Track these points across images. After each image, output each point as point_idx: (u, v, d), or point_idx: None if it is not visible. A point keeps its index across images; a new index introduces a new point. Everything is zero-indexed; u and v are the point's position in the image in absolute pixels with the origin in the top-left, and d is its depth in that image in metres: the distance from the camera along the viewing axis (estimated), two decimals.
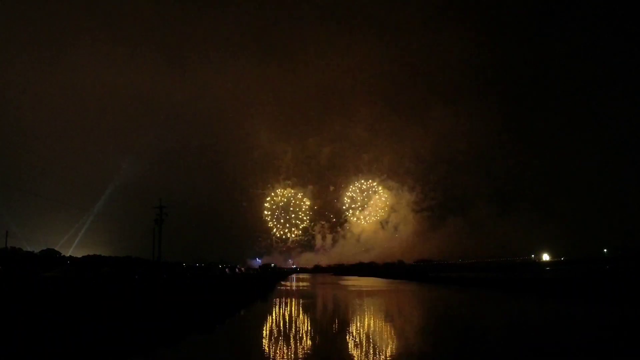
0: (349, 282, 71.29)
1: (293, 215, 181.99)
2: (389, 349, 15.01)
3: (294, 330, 19.66)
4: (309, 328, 20.58)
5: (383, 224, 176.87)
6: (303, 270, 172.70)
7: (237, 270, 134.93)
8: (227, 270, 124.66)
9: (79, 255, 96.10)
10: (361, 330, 19.57)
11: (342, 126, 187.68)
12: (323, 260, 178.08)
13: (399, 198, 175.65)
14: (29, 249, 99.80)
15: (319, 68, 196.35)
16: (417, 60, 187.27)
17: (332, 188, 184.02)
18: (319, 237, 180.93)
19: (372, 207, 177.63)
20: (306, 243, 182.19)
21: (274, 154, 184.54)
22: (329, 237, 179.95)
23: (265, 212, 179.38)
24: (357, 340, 16.84)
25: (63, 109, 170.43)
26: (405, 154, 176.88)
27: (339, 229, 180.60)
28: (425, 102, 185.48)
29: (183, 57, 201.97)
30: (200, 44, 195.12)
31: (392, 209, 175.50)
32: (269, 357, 13.90)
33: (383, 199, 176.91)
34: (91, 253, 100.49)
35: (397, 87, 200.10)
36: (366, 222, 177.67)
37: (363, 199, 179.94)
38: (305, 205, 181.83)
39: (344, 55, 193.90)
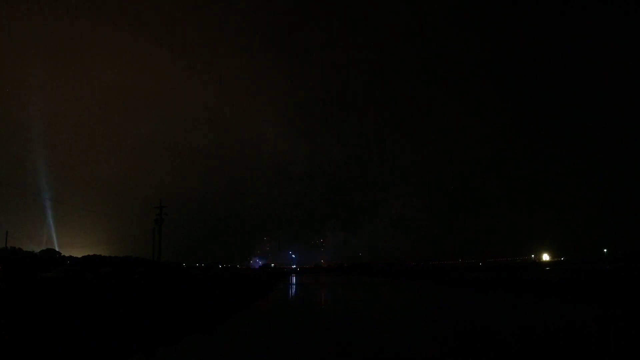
0: (346, 280, 71.33)
1: (302, 213, 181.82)
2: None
3: (294, 329, 19.66)
4: (310, 325, 20.58)
5: (395, 222, 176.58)
6: (303, 270, 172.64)
7: (237, 270, 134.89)
8: (227, 270, 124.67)
9: (79, 255, 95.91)
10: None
11: (352, 125, 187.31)
12: (324, 261, 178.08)
13: (408, 198, 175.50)
14: (28, 249, 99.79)
15: (329, 67, 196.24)
16: (429, 60, 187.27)
17: (344, 185, 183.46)
18: (329, 235, 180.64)
19: (383, 206, 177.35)
20: (314, 242, 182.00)
21: (283, 153, 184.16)
22: (339, 236, 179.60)
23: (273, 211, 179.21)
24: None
25: (63, 108, 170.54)
26: (417, 153, 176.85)
27: (351, 227, 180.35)
28: (437, 103, 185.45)
29: (189, 55, 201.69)
30: (207, 41, 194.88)
31: (405, 208, 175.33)
32: (270, 357, 13.89)
33: (394, 198, 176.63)
34: (91, 253, 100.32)
35: (409, 87, 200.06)
36: (377, 221, 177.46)
37: (374, 197, 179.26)
38: (316, 203, 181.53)
39: (355, 55, 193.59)
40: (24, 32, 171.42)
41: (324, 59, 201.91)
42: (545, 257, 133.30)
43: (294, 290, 54.19)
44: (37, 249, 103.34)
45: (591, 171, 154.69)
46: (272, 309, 29.74)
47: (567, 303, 29.43)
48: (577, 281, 42.00)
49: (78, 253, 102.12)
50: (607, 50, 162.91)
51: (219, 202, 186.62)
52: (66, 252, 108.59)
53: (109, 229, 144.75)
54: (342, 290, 50.44)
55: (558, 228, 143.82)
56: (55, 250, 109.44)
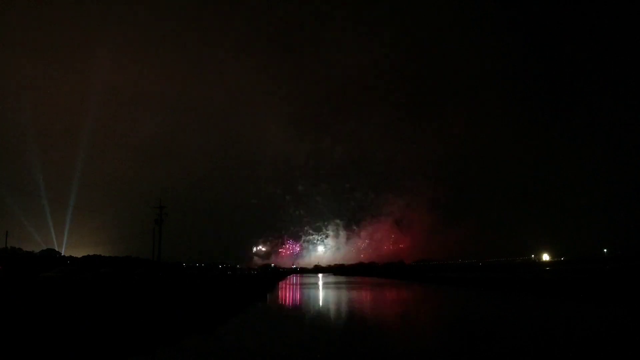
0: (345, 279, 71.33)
1: (305, 214, 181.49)
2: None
3: (293, 329, 19.67)
4: (309, 326, 20.58)
5: (397, 222, 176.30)
6: (303, 270, 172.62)
7: (237, 270, 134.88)
8: (227, 270, 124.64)
9: (79, 255, 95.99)
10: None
11: (355, 125, 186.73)
12: (324, 261, 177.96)
13: (408, 198, 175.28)
14: (29, 249, 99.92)
15: (332, 67, 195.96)
16: (431, 61, 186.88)
17: (347, 185, 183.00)
18: (332, 235, 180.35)
19: (383, 206, 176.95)
20: (319, 242, 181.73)
21: (285, 152, 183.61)
22: (340, 236, 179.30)
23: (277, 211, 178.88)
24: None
25: (63, 108, 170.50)
26: (419, 154, 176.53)
27: (354, 227, 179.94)
28: (439, 103, 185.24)
29: (193, 55, 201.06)
30: (209, 42, 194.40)
31: (407, 207, 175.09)
32: (270, 357, 13.88)
33: (395, 198, 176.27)
34: (91, 253, 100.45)
35: (411, 87, 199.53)
36: (377, 220, 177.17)
37: (375, 197, 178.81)
38: (319, 203, 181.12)
39: (358, 55, 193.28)
40: (23, 32, 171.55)
41: (326, 59, 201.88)
42: (545, 257, 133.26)
43: (293, 290, 54.18)
44: (37, 249, 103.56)
45: (592, 171, 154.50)
46: (272, 309, 29.74)
47: (568, 303, 29.42)
48: (578, 281, 41.98)
49: (78, 253, 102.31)
50: (608, 50, 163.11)
51: (219, 202, 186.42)
52: (66, 252, 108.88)
53: (109, 229, 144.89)
54: (342, 291, 50.43)
55: (558, 228, 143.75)
56: (55, 250, 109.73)
